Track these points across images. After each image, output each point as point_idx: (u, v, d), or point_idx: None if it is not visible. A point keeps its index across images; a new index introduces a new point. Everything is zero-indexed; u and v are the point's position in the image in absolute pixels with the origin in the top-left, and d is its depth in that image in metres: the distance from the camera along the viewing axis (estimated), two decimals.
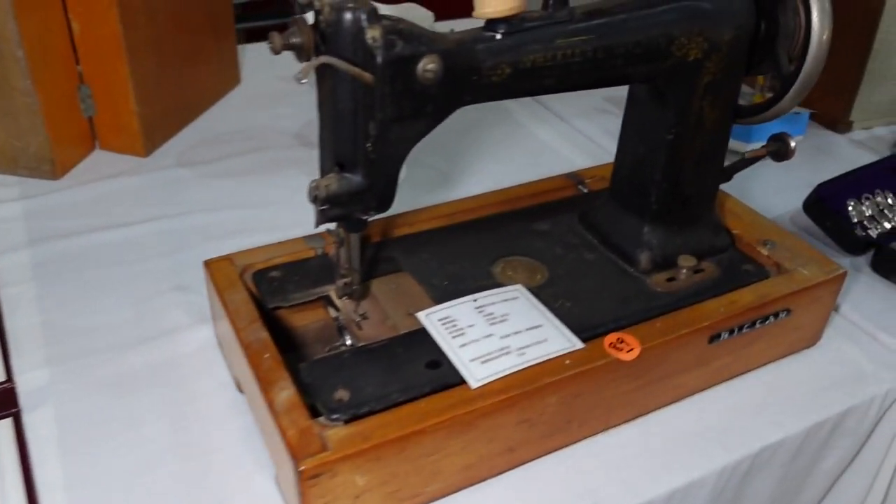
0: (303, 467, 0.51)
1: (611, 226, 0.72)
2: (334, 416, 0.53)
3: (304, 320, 0.67)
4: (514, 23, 0.55)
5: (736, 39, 0.61)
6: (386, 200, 0.56)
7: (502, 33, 0.54)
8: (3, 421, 0.63)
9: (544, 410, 0.59)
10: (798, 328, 0.72)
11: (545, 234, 0.73)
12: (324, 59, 0.47)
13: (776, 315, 0.68)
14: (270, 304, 0.63)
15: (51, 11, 0.89)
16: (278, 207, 0.92)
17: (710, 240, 0.70)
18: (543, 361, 0.59)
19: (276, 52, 0.50)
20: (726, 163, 0.70)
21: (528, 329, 0.61)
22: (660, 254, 0.69)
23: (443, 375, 0.57)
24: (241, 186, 0.96)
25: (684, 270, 0.68)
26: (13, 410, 0.64)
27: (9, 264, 0.81)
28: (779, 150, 0.69)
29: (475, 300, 0.64)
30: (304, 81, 0.46)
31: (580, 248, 0.72)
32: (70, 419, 0.64)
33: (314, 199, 0.53)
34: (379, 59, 0.48)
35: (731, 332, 0.66)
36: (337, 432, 0.53)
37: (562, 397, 0.59)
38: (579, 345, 0.60)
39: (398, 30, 0.49)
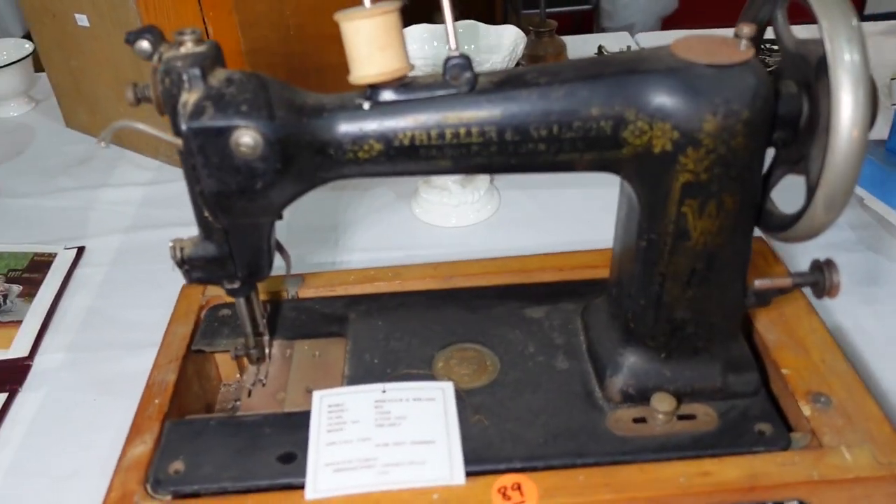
0: None
1: (597, 331, 0.58)
2: (156, 490, 0.51)
3: (231, 371, 0.64)
4: (398, 89, 0.45)
5: (730, 129, 0.44)
6: (255, 272, 0.51)
7: (370, 104, 0.45)
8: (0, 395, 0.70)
9: None
10: None
11: (531, 324, 0.62)
12: (122, 124, 0.43)
13: None
14: (194, 346, 0.61)
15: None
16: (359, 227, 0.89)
17: (716, 380, 0.53)
18: (404, 490, 0.50)
19: (132, 104, 0.47)
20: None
21: (413, 442, 0.52)
22: (633, 384, 0.54)
23: (288, 473, 0.51)
24: (339, 199, 0.95)
25: (660, 416, 0.52)
26: (14, 388, 0.71)
27: (99, 246, 0.90)
28: (816, 282, 0.49)
29: (383, 391, 0.56)
30: (103, 146, 0.43)
31: (557, 351, 0.59)
32: (51, 408, 0.69)
33: (172, 258, 0.50)
34: (183, 127, 0.43)
35: None
36: None
37: None
38: (459, 480, 0.50)
39: (218, 95, 0.43)
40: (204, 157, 0.44)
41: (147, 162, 1.05)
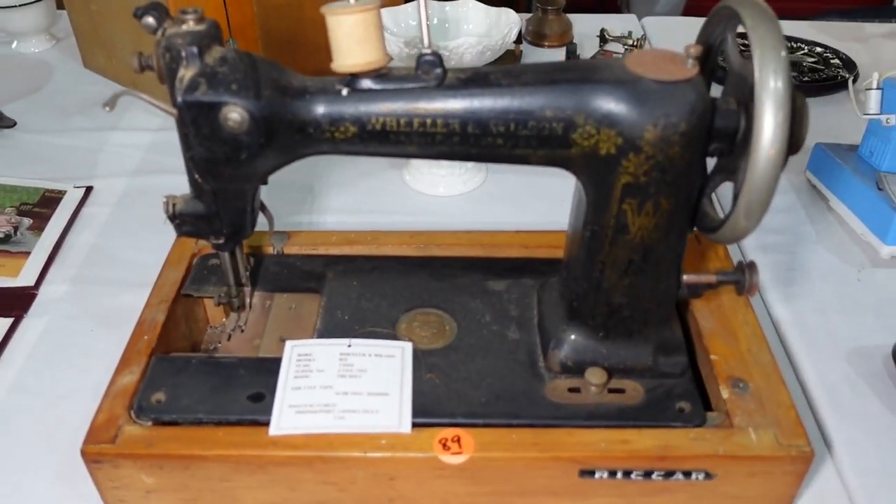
0: (84, 449, 0.55)
1: (548, 307, 0.64)
2: (138, 416, 0.57)
3: (218, 316, 0.70)
4: (375, 79, 0.50)
5: (668, 139, 0.49)
6: (238, 230, 0.57)
7: (348, 90, 0.50)
8: (5, 319, 0.77)
9: (354, 480, 0.57)
10: (737, 499, 0.58)
11: (490, 296, 0.67)
12: (124, 91, 0.49)
13: (687, 474, 0.56)
14: (183, 290, 0.67)
15: None
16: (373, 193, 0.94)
17: (647, 360, 0.59)
18: (357, 434, 0.56)
19: (136, 71, 0.52)
20: None
21: (370, 393, 0.58)
22: (572, 357, 0.60)
23: (255, 411, 0.57)
24: (332, 162, 1.00)
25: (592, 387, 0.58)
26: (19, 314, 0.78)
27: (106, 187, 0.96)
28: (738, 281, 0.54)
29: (349, 345, 0.62)
30: (108, 110, 0.48)
31: (510, 322, 0.65)
32: (52, 335, 0.76)
33: (165, 212, 0.56)
34: (178, 100, 0.48)
35: (613, 473, 0.56)
36: (134, 430, 0.57)
37: (372, 475, 0.56)
38: (406, 429, 0.56)
39: (212, 73, 0.48)
40: (196, 128, 0.49)
41: (157, 110, 1.10)
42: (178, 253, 0.72)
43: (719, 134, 0.51)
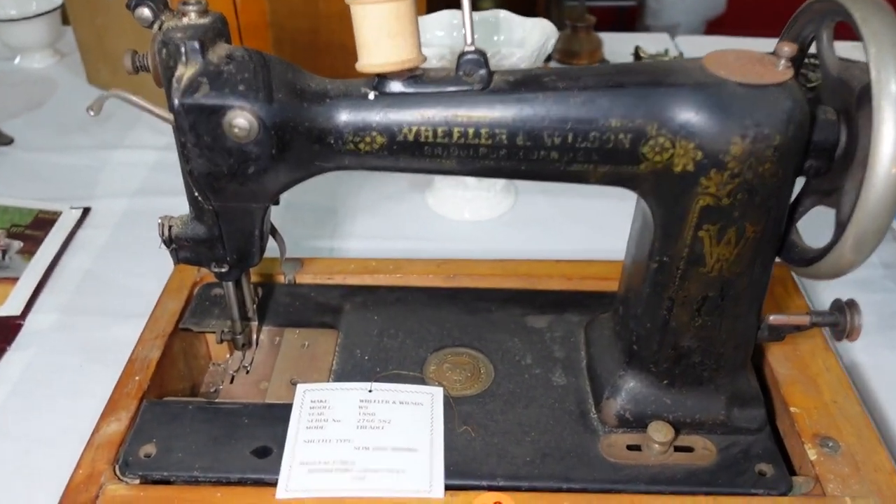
0: None
1: (599, 348, 0.55)
2: (124, 472, 0.49)
3: (222, 352, 0.62)
4: (408, 81, 0.43)
5: (758, 154, 0.41)
6: (245, 257, 0.49)
7: (375, 94, 0.42)
8: None
9: None
10: None
11: (531, 333, 0.59)
12: (113, 93, 0.41)
13: None
14: (181, 324, 0.60)
15: None
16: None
17: (719, 412, 0.50)
18: (379, 498, 0.47)
19: (129, 72, 0.45)
20: None
21: (395, 449, 0.50)
22: (631, 409, 0.51)
23: (260, 468, 0.49)
24: (348, 181, 0.93)
25: (656, 445, 0.49)
26: (2, 346, 0.70)
27: (106, 208, 0.88)
28: (836, 323, 0.46)
29: (370, 390, 0.54)
30: (91, 114, 0.41)
31: (555, 365, 0.56)
32: (37, 370, 0.68)
33: (160, 236, 0.48)
34: (175, 102, 0.40)
35: None
36: (118, 490, 0.49)
37: None
38: (438, 493, 0.48)
39: (216, 72, 0.41)
40: (195, 136, 0.41)
41: (165, 126, 1.03)
42: (178, 281, 0.64)
43: (816, 149, 0.43)
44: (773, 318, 0.48)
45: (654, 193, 0.44)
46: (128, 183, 0.93)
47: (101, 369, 0.67)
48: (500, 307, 0.61)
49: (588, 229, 0.84)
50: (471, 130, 0.42)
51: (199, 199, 0.45)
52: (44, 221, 0.85)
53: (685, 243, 0.44)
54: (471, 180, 0.86)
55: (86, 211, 0.87)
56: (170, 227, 0.47)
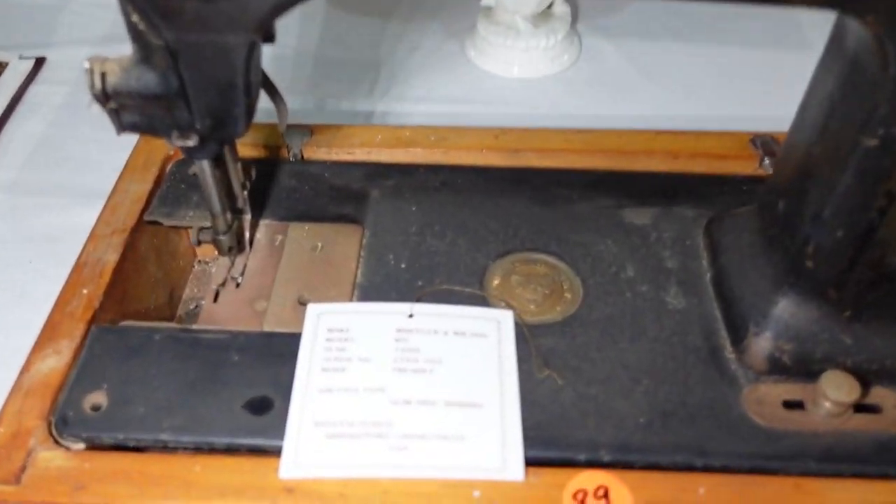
0: None
1: (739, 260, 0.39)
2: (63, 432, 0.34)
3: (211, 252, 0.46)
4: None
5: None
6: (223, 123, 0.32)
7: None
8: None
9: None
10: None
11: (631, 233, 0.42)
12: None
13: None
14: (147, 215, 0.43)
15: None
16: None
17: None
18: (428, 480, 0.33)
19: None
20: None
21: (448, 403, 0.35)
22: (793, 350, 0.35)
23: (257, 429, 0.34)
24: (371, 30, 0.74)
25: (828, 402, 0.34)
26: None
27: (64, 58, 0.71)
28: None
29: (410, 315, 0.38)
30: None
31: (668, 280, 0.40)
32: None
33: (90, 89, 0.31)
34: None
35: None
36: (54, 459, 0.34)
37: None
38: (515, 473, 0.33)
39: None
40: None
41: None
42: (145, 155, 0.48)
43: None
44: None
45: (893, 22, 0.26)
46: (92, 28, 0.75)
47: (55, 266, 0.51)
48: (583, 196, 0.45)
49: (674, 89, 0.66)
50: None
51: (142, 27, 0.27)
52: None
53: None
54: (524, 25, 0.67)
55: (39, 62, 0.70)
56: (103, 76, 0.30)
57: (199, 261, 0.48)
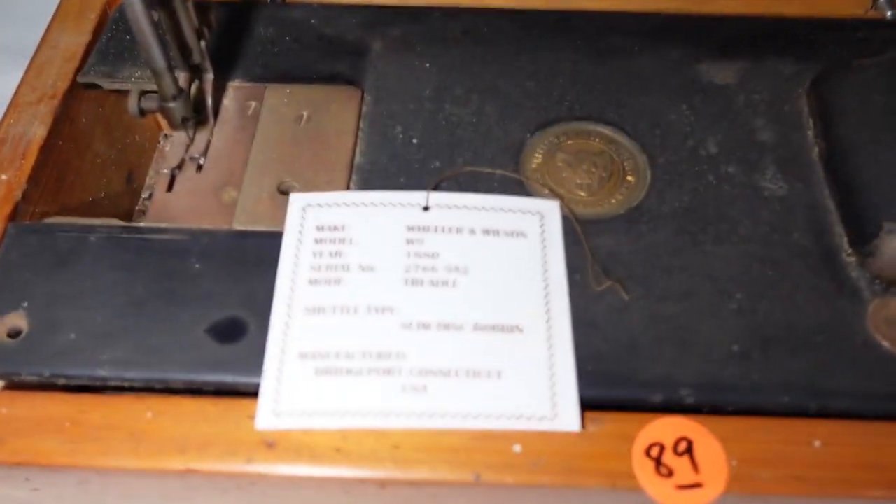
0: None
1: (861, 131, 0.29)
2: None
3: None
4: None
5: None
6: None
7: None
8: None
9: None
10: None
11: (712, 96, 0.32)
12: None
13: None
14: (81, 75, 0.33)
15: None
16: None
17: None
18: (453, 431, 0.24)
19: None
20: None
21: (478, 327, 0.26)
22: None
23: (226, 363, 0.26)
24: None
25: None
26: None
27: None
28: None
29: (425, 207, 0.29)
30: None
31: (761, 159, 0.31)
32: None
33: None
34: None
35: None
36: None
37: None
38: (569, 422, 0.24)
39: None
40: None
41: None
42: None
43: None
44: None
45: None
46: None
47: None
48: (648, 46, 0.34)
49: None
50: None
51: None
52: None
53: None
54: None
55: None
56: None
57: (166, 135, 0.38)
